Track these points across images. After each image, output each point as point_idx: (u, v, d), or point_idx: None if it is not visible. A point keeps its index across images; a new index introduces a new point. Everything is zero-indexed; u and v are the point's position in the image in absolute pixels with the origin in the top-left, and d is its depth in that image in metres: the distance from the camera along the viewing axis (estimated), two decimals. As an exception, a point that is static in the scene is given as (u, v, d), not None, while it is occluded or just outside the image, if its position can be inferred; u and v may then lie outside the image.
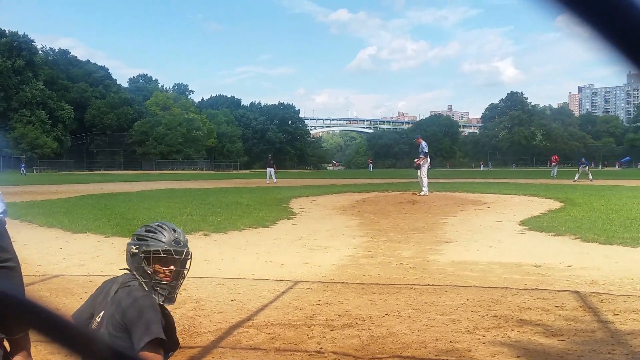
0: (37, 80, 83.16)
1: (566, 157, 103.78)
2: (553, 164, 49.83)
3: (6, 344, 1.98)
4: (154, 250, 2.72)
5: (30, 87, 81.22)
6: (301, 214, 15.30)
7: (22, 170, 59.63)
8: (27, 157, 74.21)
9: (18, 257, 1.90)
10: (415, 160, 19.74)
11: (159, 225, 2.82)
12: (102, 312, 2.59)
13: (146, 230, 2.79)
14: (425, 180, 19.30)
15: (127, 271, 2.80)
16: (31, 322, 0.39)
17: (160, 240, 2.75)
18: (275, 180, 35.65)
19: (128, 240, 2.84)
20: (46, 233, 11.47)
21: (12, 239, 1.97)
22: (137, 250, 2.73)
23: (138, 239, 2.77)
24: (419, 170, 19.47)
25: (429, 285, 6.89)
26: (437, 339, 4.80)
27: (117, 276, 2.85)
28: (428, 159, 19.74)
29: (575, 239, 10.18)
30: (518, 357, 4.38)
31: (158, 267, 2.74)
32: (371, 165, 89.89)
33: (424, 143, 19.78)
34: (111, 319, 2.56)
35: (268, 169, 37.17)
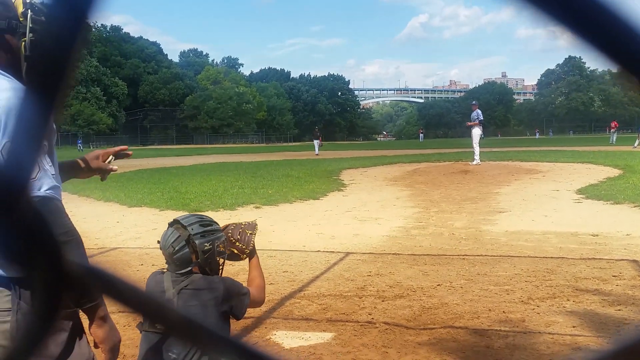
0: (91, 57, 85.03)
1: (626, 123, 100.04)
2: (612, 130, 48.13)
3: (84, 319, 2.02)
4: (222, 241, 2.84)
5: (84, 65, 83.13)
6: (351, 185, 15.30)
7: (79, 146, 61.46)
8: (83, 133, 76.36)
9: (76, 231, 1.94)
10: (469, 123, 19.29)
11: (208, 217, 2.92)
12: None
13: (207, 224, 2.86)
14: (477, 149, 18.96)
15: (165, 272, 2.86)
16: (100, 289, 0.40)
17: (221, 231, 2.87)
18: (316, 152, 35.79)
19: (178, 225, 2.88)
20: (103, 207, 11.82)
21: (71, 214, 2.02)
22: (210, 246, 2.82)
23: (206, 234, 2.84)
24: (472, 140, 19.12)
25: (481, 255, 6.81)
26: (490, 310, 4.75)
27: (158, 274, 2.91)
28: (481, 127, 19.34)
29: (634, 207, 9.86)
30: (574, 327, 4.30)
31: (220, 258, 2.88)
32: (422, 134, 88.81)
33: (478, 111, 19.40)
34: (200, 311, 2.65)
35: (315, 141, 37.40)
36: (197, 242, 2.79)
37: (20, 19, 1.78)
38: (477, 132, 19.11)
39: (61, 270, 0.37)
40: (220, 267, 2.91)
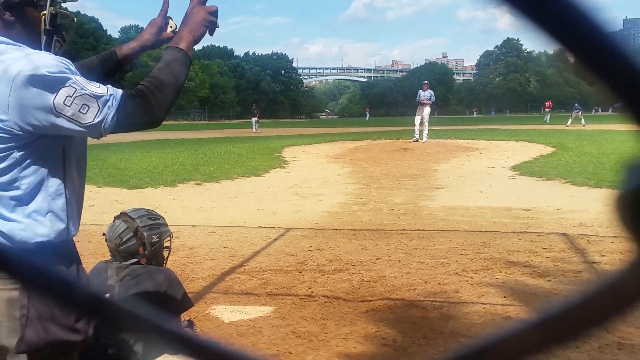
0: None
1: (560, 103, 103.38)
2: (547, 109, 49.69)
3: None
4: (169, 235, 2.97)
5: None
6: (293, 162, 15.31)
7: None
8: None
9: None
10: (425, 100, 19.35)
11: (154, 211, 2.97)
12: (107, 295, 2.63)
13: (155, 217, 2.89)
14: (427, 127, 19.30)
15: (109, 262, 2.83)
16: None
17: (166, 225, 2.94)
18: (254, 130, 35.69)
19: (121, 209, 2.86)
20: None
21: None
22: (157, 239, 2.85)
23: (154, 227, 2.86)
24: (420, 117, 19.28)
25: (419, 230, 6.96)
26: (426, 282, 4.88)
27: (102, 263, 2.89)
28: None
29: (565, 183, 10.26)
30: (505, 297, 4.47)
31: (165, 251, 2.99)
32: (368, 113, 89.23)
33: (431, 91, 19.64)
34: (140, 298, 2.63)
35: (253, 119, 37.30)
36: (145, 234, 2.80)
37: None
38: (428, 110, 19.39)
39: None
40: (165, 260, 2.98)
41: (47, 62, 1.59)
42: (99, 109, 1.61)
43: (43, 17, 1.74)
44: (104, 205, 8.62)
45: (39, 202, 1.68)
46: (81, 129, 1.62)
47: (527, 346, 0.30)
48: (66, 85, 1.59)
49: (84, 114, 1.60)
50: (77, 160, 1.82)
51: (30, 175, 1.66)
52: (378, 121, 60.81)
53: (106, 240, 2.83)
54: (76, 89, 1.59)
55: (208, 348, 0.35)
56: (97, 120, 1.62)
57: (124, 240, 2.76)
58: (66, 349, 1.75)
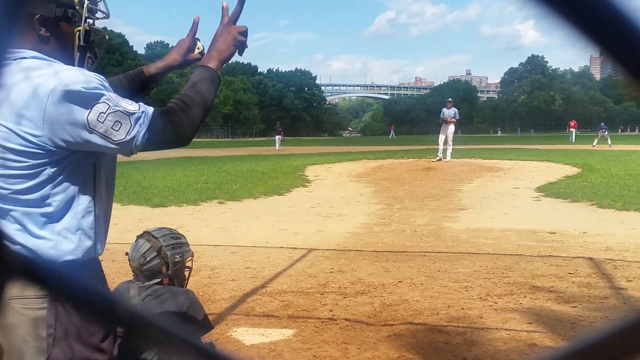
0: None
1: (586, 122, 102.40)
2: (572, 128, 49.18)
3: None
4: (191, 254, 3.00)
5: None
6: (316, 181, 15.33)
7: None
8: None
9: None
10: (450, 118, 19.23)
11: (176, 230, 2.98)
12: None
13: (177, 237, 2.91)
14: (451, 146, 19.22)
15: (131, 282, 2.85)
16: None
17: (188, 244, 2.96)
18: (277, 148, 35.82)
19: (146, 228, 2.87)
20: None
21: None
22: (180, 258, 2.87)
23: (177, 246, 2.87)
24: (444, 136, 19.22)
25: (442, 252, 6.91)
26: (449, 306, 4.83)
27: (124, 283, 2.91)
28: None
29: (592, 205, 10.11)
30: (530, 323, 4.40)
31: (187, 271, 3.00)
32: (393, 131, 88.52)
33: (456, 109, 19.59)
34: (161, 319, 2.65)
35: (277, 137, 37.50)
36: (168, 253, 2.81)
37: (77, 8, 1.74)
38: (453, 129, 19.32)
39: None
40: (186, 280, 2.98)
41: (83, 77, 1.62)
42: (131, 126, 1.63)
43: (77, 33, 1.77)
44: (127, 223, 8.70)
45: (68, 219, 1.70)
46: (113, 145, 1.64)
47: None
48: (100, 101, 1.61)
49: (116, 130, 1.61)
50: (107, 177, 1.84)
51: (62, 192, 1.67)
52: (402, 139, 60.75)
53: (129, 260, 2.84)
54: (109, 106, 1.61)
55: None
56: (129, 137, 1.63)
57: (147, 259, 2.78)
58: None
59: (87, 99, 1.59)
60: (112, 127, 1.61)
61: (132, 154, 1.70)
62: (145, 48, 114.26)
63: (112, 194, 1.91)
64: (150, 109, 1.69)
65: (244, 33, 1.90)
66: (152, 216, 9.46)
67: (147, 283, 2.78)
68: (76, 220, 1.71)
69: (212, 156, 26.78)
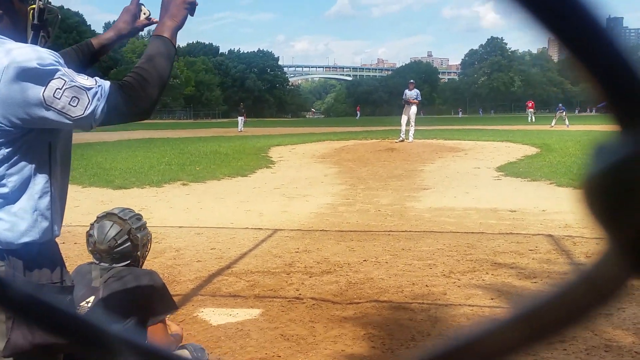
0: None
1: (544, 103, 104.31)
2: (529, 109, 49.97)
3: None
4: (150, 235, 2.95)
5: (0, 35, 78.83)
6: (280, 162, 15.30)
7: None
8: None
9: None
10: (412, 99, 19.29)
11: (135, 211, 2.95)
12: (92, 297, 2.60)
13: (140, 218, 2.87)
14: (414, 127, 19.35)
15: (93, 263, 2.79)
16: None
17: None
18: (240, 129, 35.54)
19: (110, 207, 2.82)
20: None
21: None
22: (147, 240, 2.85)
23: (144, 228, 2.84)
24: (407, 117, 19.33)
25: (406, 231, 6.99)
26: (413, 283, 4.90)
27: (86, 265, 2.85)
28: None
29: (551, 184, 10.35)
30: (492, 299, 4.50)
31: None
32: (359, 112, 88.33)
33: (417, 90, 19.67)
34: (125, 301, 2.60)
35: (239, 118, 37.23)
36: (138, 235, 2.77)
37: None
38: (415, 110, 19.45)
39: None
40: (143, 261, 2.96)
41: (36, 54, 1.59)
42: (89, 101, 1.61)
43: (31, 11, 1.74)
44: (89, 206, 8.55)
45: (24, 200, 1.66)
46: (71, 122, 1.62)
47: (505, 344, 0.29)
48: (55, 77, 1.58)
49: (74, 106, 1.59)
50: (63, 157, 1.80)
51: (17, 173, 1.64)
52: (365, 121, 60.93)
53: (94, 242, 2.77)
54: (65, 81, 1.59)
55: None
56: (87, 112, 1.61)
57: (118, 242, 2.73)
58: (52, 351, 1.74)
59: (41, 76, 1.57)
60: (69, 103, 1.59)
61: (92, 129, 1.67)
62: (103, 27, 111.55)
63: (67, 174, 1.87)
64: (107, 83, 1.66)
65: None
66: (114, 198, 9.32)
67: (113, 265, 2.74)
68: (33, 201, 1.67)
69: (175, 137, 26.45)
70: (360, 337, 3.80)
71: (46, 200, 1.71)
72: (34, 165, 1.68)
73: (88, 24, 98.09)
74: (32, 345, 1.65)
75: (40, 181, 1.69)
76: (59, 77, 1.58)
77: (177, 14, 1.83)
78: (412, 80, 20.27)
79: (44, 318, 0.37)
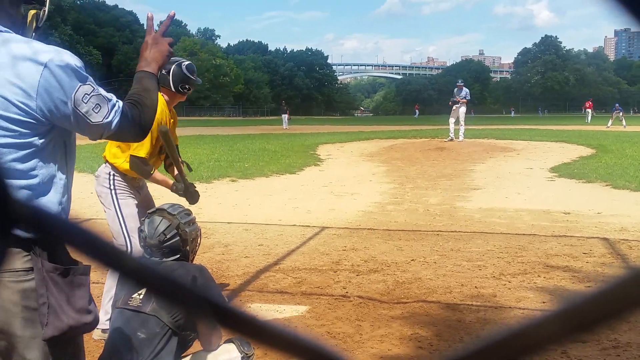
0: (65, 25, 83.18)
1: (600, 103, 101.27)
2: (587, 109, 48.63)
3: None
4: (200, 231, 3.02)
5: (59, 32, 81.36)
6: (328, 160, 15.31)
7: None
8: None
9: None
10: (460, 99, 19.03)
11: (185, 207, 3.00)
12: (143, 290, 2.64)
13: (189, 213, 2.92)
14: (463, 126, 19.12)
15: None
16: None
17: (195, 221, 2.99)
18: (285, 127, 35.74)
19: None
20: (77, 178, 11.62)
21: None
22: (196, 235, 2.90)
23: (192, 223, 2.89)
24: (455, 117, 19.13)
25: (455, 231, 6.89)
26: (462, 285, 4.82)
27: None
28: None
29: (606, 186, 10.04)
30: (544, 302, 4.39)
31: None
32: (417, 111, 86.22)
33: (467, 89, 19.42)
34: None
35: (283, 115, 37.44)
36: (187, 230, 2.81)
37: None
38: (464, 109, 19.22)
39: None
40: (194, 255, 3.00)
41: (75, 58, 1.73)
42: (108, 111, 1.75)
43: (39, 14, 1.88)
44: (141, 200, 8.73)
45: (52, 194, 1.76)
46: (88, 125, 1.74)
47: (543, 338, 0.29)
48: (86, 83, 1.71)
49: (95, 113, 1.73)
50: (72, 158, 1.93)
51: (45, 166, 1.74)
52: (418, 119, 60.46)
53: (145, 237, 2.82)
54: (94, 89, 1.73)
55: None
56: (105, 121, 1.75)
57: (168, 237, 2.77)
58: (83, 330, 1.83)
59: (77, 78, 1.69)
60: (93, 109, 1.72)
61: (100, 139, 1.82)
62: (157, 25, 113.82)
63: (72, 175, 1.98)
64: (120, 102, 1.81)
65: (172, 44, 2.09)
66: (164, 192, 9.45)
67: (165, 259, 2.77)
68: (59, 195, 1.78)
69: (224, 134, 26.77)
70: (407, 337, 3.76)
71: (67, 196, 1.85)
72: (57, 161, 1.78)
73: (141, 22, 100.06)
74: (68, 326, 1.73)
75: (62, 177, 1.81)
76: (89, 84, 1.72)
77: (159, 59, 2.02)
78: (460, 81, 19.98)
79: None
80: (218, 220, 7.50)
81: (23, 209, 0.37)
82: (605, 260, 5.51)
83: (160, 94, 3.91)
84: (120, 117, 1.77)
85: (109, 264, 0.39)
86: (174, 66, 3.91)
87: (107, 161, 3.84)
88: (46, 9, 1.88)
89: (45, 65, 1.63)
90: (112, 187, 3.81)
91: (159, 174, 3.97)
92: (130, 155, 3.72)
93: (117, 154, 3.81)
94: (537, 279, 4.95)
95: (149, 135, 3.72)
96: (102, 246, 0.38)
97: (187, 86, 3.97)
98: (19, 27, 1.78)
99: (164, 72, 3.89)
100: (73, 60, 1.70)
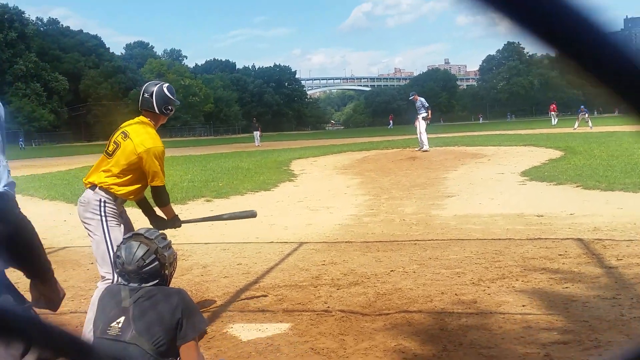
0: (30, 52, 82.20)
1: (566, 106, 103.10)
2: (552, 112, 49.48)
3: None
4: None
5: (23, 60, 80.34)
6: (302, 175, 15.31)
7: (21, 144, 59.41)
8: (24, 130, 73.59)
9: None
10: (422, 116, 19.13)
11: (160, 231, 2.99)
12: (122, 317, 2.61)
13: (165, 237, 2.90)
14: (425, 136, 19.16)
15: (121, 284, 2.81)
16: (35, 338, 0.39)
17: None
18: (257, 144, 35.64)
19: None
20: (49, 206, 11.49)
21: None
22: (173, 259, 2.88)
23: (169, 247, 2.86)
24: (417, 127, 19.26)
25: (432, 240, 6.93)
26: (442, 293, 4.85)
27: (115, 286, 2.89)
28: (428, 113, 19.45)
29: (577, 187, 10.20)
30: (523, 306, 4.43)
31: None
32: (392, 122, 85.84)
33: (422, 99, 19.49)
34: (155, 320, 2.60)
35: (255, 132, 37.36)
36: (165, 254, 2.78)
37: None
38: (423, 123, 19.27)
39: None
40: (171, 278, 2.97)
41: None
42: None
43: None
44: (115, 225, 8.62)
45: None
46: None
47: None
48: None
49: None
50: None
51: None
52: (388, 130, 60.82)
53: (122, 263, 2.78)
54: None
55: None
56: None
57: (147, 262, 2.74)
58: None
59: None
60: None
61: None
62: (124, 48, 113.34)
63: None
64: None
65: None
66: (139, 216, 9.36)
67: (143, 285, 2.74)
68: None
69: (196, 155, 26.62)
70: (391, 348, 3.77)
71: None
72: None
73: (107, 46, 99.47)
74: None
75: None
76: None
77: None
78: (412, 93, 20.08)
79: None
80: (195, 241, 7.44)
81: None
82: (581, 260, 5.59)
83: (144, 118, 3.93)
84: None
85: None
86: (155, 88, 3.92)
87: (96, 187, 3.82)
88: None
89: None
90: (102, 213, 3.81)
91: (170, 211, 4.14)
92: (154, 186, 3.80)
93: (116, 180, 3.83)
94: (515, 283, 5.00)
95: (160, 164, 3.80)
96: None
97: (169, 107, 3.99)
98: None
99: (146, 95, 3.90)
100: None
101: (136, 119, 4.04)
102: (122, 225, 3.94)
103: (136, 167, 3.86)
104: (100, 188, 3.81)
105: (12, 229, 1.83)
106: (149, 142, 3.85)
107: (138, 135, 3.86)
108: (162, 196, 3.93)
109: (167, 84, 4.04)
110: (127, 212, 4.32)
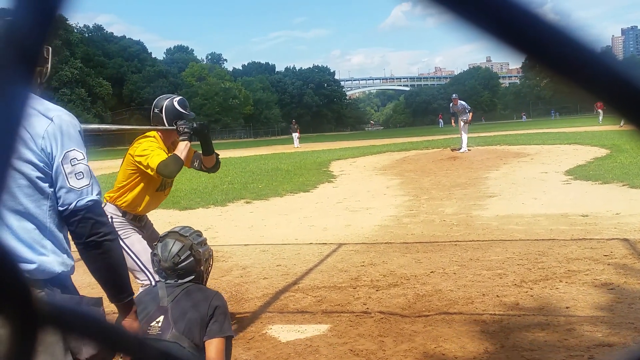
0: (75, 58, 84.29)
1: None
2: (599, 109, 48.27)
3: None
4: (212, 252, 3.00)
5: (68, 66, 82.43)
6: (341, 176, 15.31)
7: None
8: (70, 135, 75.54)
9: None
10: (463, 119, 18.81)
11: (196, 229, 3.01)
12: (161, 316, 2.65)
13: (200, 234, 2.93)
14: (465, 138, 18.89)
15: (159, 282, 2.84)
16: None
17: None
18: (296, 145, 35.67)
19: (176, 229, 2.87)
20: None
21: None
22: (209, 256, 2.91)
23: (204, 244, 2.89)
24: (460, 128, 18.99)
25: (473, 241, 6.84)
26: (483, 294, 4.77)
27: (151, 287, 2.93)
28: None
29: (623, 185, 9.93)
30: (567, 308, 4.33)
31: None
32: (441, 120, 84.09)
33: (462, 102, 19.15)
34: (194, 319, 2.64)
35: (294, 134, 37.45)
36: (200, 250, 2.82)
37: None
38: (463, 123, 18.98)
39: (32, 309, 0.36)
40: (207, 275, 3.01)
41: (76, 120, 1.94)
42: (89, 184, 1.90)
43: (45, 70, 2.02)
44: (158, 227, 8.74)
45: (62, 235, 1.90)
46: (64, 187, 1.85)
47: None
48: (81, 149, 1.90)
49: (78, 179, 1.86)
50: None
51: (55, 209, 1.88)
52: (429, 130, 60.34)
53: (159, 261, 2.82)
54: (84, 157, 1.89)
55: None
56: (79, 191, 1.86)
57: (182, 258, 2.78)
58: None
59: (78, 139, 1.89)
60: (75, 174, 1.86)
61: (65, 208, 1.85)
62: (164, 53, 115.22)
63: None
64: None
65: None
66: (180, 219, 9.52)
67: (180, 281, 2.78)
68: (63, 234, 1.91)
69: (236, 157, 26.87)
70: (431, 351, 3.73)
71: (66, 234, 2.00)
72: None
73: (149, 51, 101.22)
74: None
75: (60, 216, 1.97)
76: (82, 152, 1.92)
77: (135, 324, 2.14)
78: (454, 95, 19.68)
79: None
80: (235, 242, 7.51)
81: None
82: (627, 261, 5.44)
83: (154, 133, 3.91)
84: (94, 203, 1.89)
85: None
86: (166, 102, 3.90)
87: (106, 204, 3.83)
88: (49, 66, 2.01)
89: (49, 125, 1.80)
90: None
91: (180, 147, 3.80)
92: (159, 172, 3.60)
93: (118, 192, 3.85)
94: (559, 284, 4.89)
95: (160, 147, 3.75)
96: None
97: (181, 121, 3.87)
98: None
99: (156, 110, 3.89)
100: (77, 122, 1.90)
101: (145, 134, 3.98)
102: (137, 231, 3.92)
103: (131, 174, 3.82)
104: (108, 204, 3.84)
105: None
106: (134, 149, 3.80)
107: (131, 148, 3.87)
108: (169, 166, 3.59)
109: (178, 97, 3.95)
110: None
